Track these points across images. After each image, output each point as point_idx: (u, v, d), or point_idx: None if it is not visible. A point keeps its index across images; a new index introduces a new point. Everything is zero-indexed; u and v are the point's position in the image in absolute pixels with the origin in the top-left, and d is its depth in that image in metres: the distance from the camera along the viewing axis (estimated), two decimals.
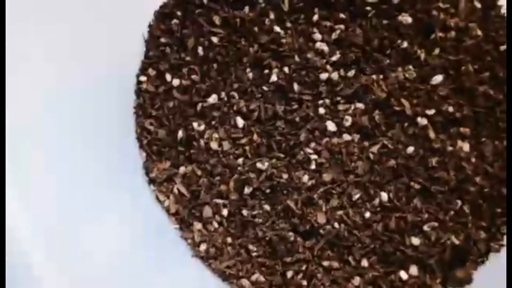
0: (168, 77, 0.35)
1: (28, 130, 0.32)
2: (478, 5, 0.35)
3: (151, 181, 0.34)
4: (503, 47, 0.35)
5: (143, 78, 0.35)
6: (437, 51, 0.34)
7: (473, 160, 0.33)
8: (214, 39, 0.35)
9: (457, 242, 0.32)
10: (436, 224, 0.32)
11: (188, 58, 0.35)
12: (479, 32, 0.34)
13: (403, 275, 0.31)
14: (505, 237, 0.33)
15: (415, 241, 0.31)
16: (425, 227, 0.32)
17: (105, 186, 0.33)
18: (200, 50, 0.34)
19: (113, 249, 0.32)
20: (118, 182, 0.33)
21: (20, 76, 0.32)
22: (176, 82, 0.35)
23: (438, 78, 0.33)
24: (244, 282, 0.32)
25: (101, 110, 0.34)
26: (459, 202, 0.32)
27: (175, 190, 0.34)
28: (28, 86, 0.32)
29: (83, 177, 0.32)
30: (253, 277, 0.32)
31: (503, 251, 0.33)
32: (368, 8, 0.35)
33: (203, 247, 0.33)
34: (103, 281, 0.31)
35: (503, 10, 0.36)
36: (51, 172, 0.32)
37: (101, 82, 0.34)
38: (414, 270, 0.31)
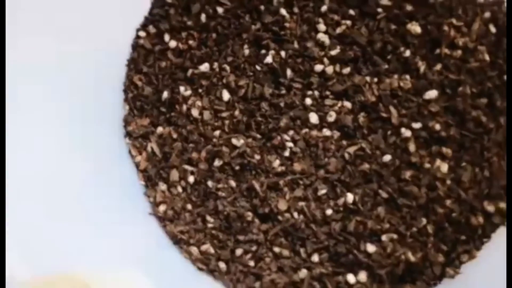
0: (166, 37, 0.35)
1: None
2: (493, 29, 0.35)
3: (128, 134, 0.34)
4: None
5: (142, 34, 0.35)
6: (438, 66, 0.33)
7: (448, 182, 0.32)
8: (219, 9, 0.35)
9: (412, 259, 0.31)
10: (395, 236, 0.32)
11: (189, 23, 0.35)
12: (487, 57, 0.34)
13: (351, 278, 0.31)
14: (462, 266, 0.33)
15: (370, 248, 0.31)
16: (384, 237, 0.32)
17: (82, 133, 0.33)
18: (203, 17, 0.35)
19: (78, 192, 0.33)
20: (96, 132, 0.33)
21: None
22: (173, 44, 0.35)
23: (432, 94, 0.33)
24: (193, 249, 0.32)
25: (97, 61, 0.34)
26: (424, 220, 0.32)
27: (149, 148, 0.34)
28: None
29: (58, 124, 0.33)
30: (203, 247, 0.32)
31: (458, 278, 0.33)
32: (380, 9, 0.34)
33: (162, 208, 0.33)
34: (62, 221, 0.32)
35: None
36: None
37: (102, 32, 0.35)
38: (363, 276, 0.31)
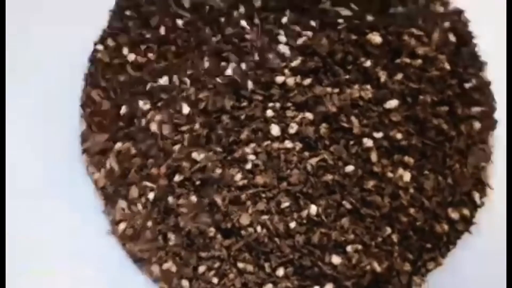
0: (125, 50, 0.34)
1: None
2: (453, 38, 0.35)
3: (85, 151, 0.33)
4: (467, 85, 0.35)
5: (100, 47, 0.34)
6: (399, 76, 0.34)
7: (411, 191, 0.32)
8: (179, 22, 0.34)
9: (378, 269, 0.31)
10: (360, 247, 0.31)
11: (148, 36, 0.34)
12: (447, 66, 0.34)
13: None
14: (428, 274, 0.33)
15: (336, 259, 0.31)
16: (348, 248, 0.31)
17: (41, 150, 0.32)
18: (162, 29, 0.34)
19: (33, 207, 0.31)
20: (53, 149, 0.32)
21: None
22: (131, 57, 0.34)
23: (393, 103, 0.33)
24: (155, 268, 0.31)
25: (53, 75, 0.33)
26: (389, 230, 0.32)
27: (107, 165, 0.33)
28: None
29: (16, 140, 0.32)
30: (165, 265, 0.31)
31: (424, 287, 0.33)
32: (340, 20, 0.34)
33: (122, 226, 0.32)
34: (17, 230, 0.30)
35: (477, 49, 0.36)
36: None
37: (59, 46, 0.34)
38: None
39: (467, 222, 0.34)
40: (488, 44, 0.35)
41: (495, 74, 0.35)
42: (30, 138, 0.33)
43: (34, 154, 0.32)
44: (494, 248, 0.33)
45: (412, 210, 0.32)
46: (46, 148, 0.33)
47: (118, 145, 0.33)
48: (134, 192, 0.32)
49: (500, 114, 0.35)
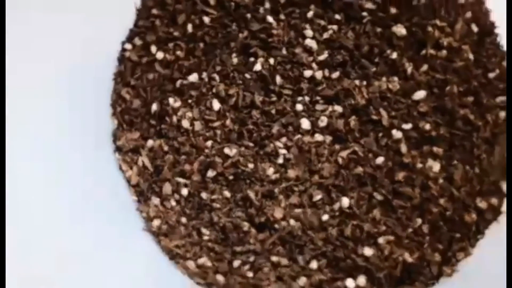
0: (153, 49, 0.34)
1: None
2: (475, 28, 0.35)
3: (118, 149, 0.34)
4: (491, 74, 0.35)
5: (128, 46, 0.35)
6: (425, 67, 0.34)
7: (441, 181, 0.32)
8: (206, 19, 0.34)
9: (410, 259, 0.32)
10: (392, 238, 0.32)
11: (176, 33, 0.34)
12: (471, 56, 0.34)
13: (350, 283, 0.31)
14: (459, 263, 0.33)
15: (368, 251, 0.31)
16: (380, 240, 0.32)
17: (71, 149, 0.32)
18: (189, 27, 0.34)
19: (70, 210, 0.32)
20: (84, 148, 0.33)
21: None
22: (160, 55, 0.34)
23: (420, 94, 0.33)
24: (190, 264, 0.32)
25: (83, 75, 0.34)
26: (419, 221, 0.32)
27: (139, 162, 0.33)
28: None
29: (48, 138, 0.32)
30: (200, 261, 0.31)
31: (455, 276, 0.33)
32: (365, 13, 0.34)
33: (156, 222, 0.32)
34: (50, 240, 0.31)
35: (499, 39, 0.36)
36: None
37: (86, 46, 0.34)
38: (362, 280, 0.31)
39: (495, 211, 0.34)
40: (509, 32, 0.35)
41: None
42: (61, 140, 0.33)
43: (65, 155, 0.32)
44: None
45: (442, 201, 0.32)
46: (76, 148, 0.33)
47: (150, 142, 0.34)
48: (167, 188, 0.33)
49: None
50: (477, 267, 0.33)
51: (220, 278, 0.31)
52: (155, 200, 0.33)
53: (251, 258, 0.31)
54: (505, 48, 0.36)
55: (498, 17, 0.36)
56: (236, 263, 0.31)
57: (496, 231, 0.34)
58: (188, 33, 0.34)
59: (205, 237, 0.32)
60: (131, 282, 0.31)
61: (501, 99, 0.35)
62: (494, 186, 0.34)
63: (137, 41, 0.35)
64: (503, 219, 0.34)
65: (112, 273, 0.31)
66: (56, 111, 0.33)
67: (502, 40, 0.36)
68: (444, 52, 0.34)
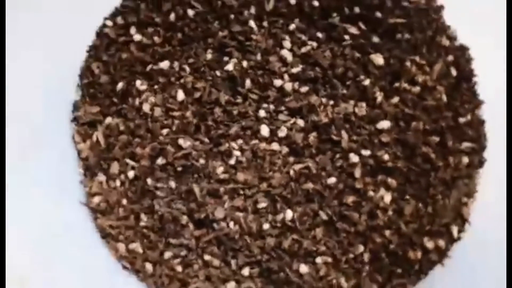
0: (132, 30, 0.35)
1: None
2: (454, 72, 0.35)
3: (75, 119, 0.34)
4: (462, 119, 0.35)
5: (109, 23, 0.35)
6: (396, 99, 0.34)
7: (390, 213, 0.32)
8: (190, 12, 0.35)
9: (345, 285, 0.31)
10: (330, 259, 0.31)
11: (157, 20, 0.35)
12: (444, 97, 0.34)
13: None
14: None
15: (303, 268, 0.31)
16: (318, 259, 0.31)
17: (28, 110, 0.32)
18: (172, 16, 0.35)
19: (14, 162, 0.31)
20: (43, 112, 0.33)
21: None
22: (137, 37, 0.35)
23: (385, 124, 0.33)
24: (121, 246, 0.31)
25: (59, 43, 0.34)
26: (361, 248, 0.32)
27: (94, 137, 0.33)
28: None
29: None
30: (132, 245, 0.31)
31: None
32: (347, 37, 0.35)
33: (96, 199, 0.32)
34: None
35: (476, 87, 0.36)
36: None
37: (68, 16, 0.34)
38: None
39: (442, 253, 0.33)
40: (487, 83, 0.36)
41: (490, 114, 0.36)
42: (25, 97, 0.33)
43: (23, 113, 0.32)
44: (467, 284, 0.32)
45: (387, 232, 0.32)
46: (36, 110, 0.33)
47: (108, 119, 0.33)
48: (115, 167, 0.32)
49: (489, 153, 0.35)
50: None
51: (148, 266, 0.31)
52: (101, 177, 0.33)
53: (183, 253, 0.31)
54: (481, 97, 0.36)
55: (479, 66, 0.36)
56: (167, 255, 0.31)
57: (440, 275, 0.33)
58: (169, 21, 0.35)
59: (142, 223, 0.31)
60: (59, 252, 0.30)
61: (467, 145, 0.35)
62: (444, 228, 0.34)
63: (119, 20, 0.35)
64: (449, 263, 0.33)
65: (45, 241, 0.31)
66: (26, 70, 0.33)
67: (479, 89, 0.36)
68: (418, 88, 0.34)
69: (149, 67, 0.34)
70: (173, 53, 0.34)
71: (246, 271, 0.31)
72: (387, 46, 0.35)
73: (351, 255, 0.31)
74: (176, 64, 0.34)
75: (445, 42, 0.36)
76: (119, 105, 0.34)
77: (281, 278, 0.31)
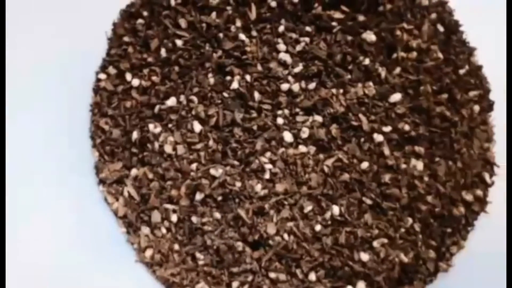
0: (128, 76, 0.34)
1: None
2: (441, 28, 0.36)
3: (101, 181, 0.33)
4: (462, 71, 0.36)
5: (102, 76, 0.34)
6: (397, 70, 0.35)
7: (426, 179, 0.33)
8: (178, 42, 0.34)
9: (406, 260, 0.32)
10: (385, 240, 0.32)
11: (150, 59, 0.34)
12: (440, 55, 0.35)
13: None
14: (453, 257, 0.34)
15: (364, 256, 0.31)
16: (375, 243, 0.32)
17: (55, 185, 0.31)
18: (163, 51, 0.34)
19: (57, 249, 0.31)
20: (68, 181, 0.32)
21: None
22: (135, 82, 0.34)
23: (396, 97, 0.34)
24: None
25: (58, 107, 0.33)
26: (410, 220, 0.32)
27: (125, 193, 0.33)
28: None
29: (33, 175, 0.31)
30: (198, 286, 0.31)
31: (452, 271, 0.34)
32: (334, 23, 0.35)
33: (148, 253, 0.32)
34: (46, 281, 0.30)
35: (464, 36, 0.37)
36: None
37: (60, 77, 0.33)
38: (361, 286, 0.31)
39: (482, 202, 0.35)
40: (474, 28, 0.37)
41: (485, 58, 0.37)
42: (45, 175, 0.32)
43: (50, 191, 0.32)
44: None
45: (429, 198, 0.33)
46: (62, 182, 0.32)
47: (134, 171, 0.33)
48: (156, 216, 0.32)
49: (495, 95, 0.36)
50: (471, 259, 0.34)
51: None
52: (145, 230, 0.32)
53: (249, 278, 0.31)
54: (471, 44, 0.37)
55: (462, 15, 0.37)
56: (235, 285, 0.31)
57: (485, 222, 0.35)
58: (162, 58, 0.34)
59: (200, 262, 0.31)
60: None
61: (474, 93, 0.36)
62: (477, 178, 0.35)
63: (111, 70, 0.34)
64: (491, 209, 0.34)
65: None
66: (36, 148, 0.32)
67: (468, 37, 0.37)
68: (415, 53, 0.35)
69: (157, 108, 0.34)
70: (175, 87, 0.34)
71: (313, 276, 0.31)
72: (374, 21, 0.35)
73: (403, 230, 0.32)
74: (182, 97, 0.34)
75: (425, 1, 0.37)
76: (140, 154, 0.33)
77: (347, 272, 0.31)
